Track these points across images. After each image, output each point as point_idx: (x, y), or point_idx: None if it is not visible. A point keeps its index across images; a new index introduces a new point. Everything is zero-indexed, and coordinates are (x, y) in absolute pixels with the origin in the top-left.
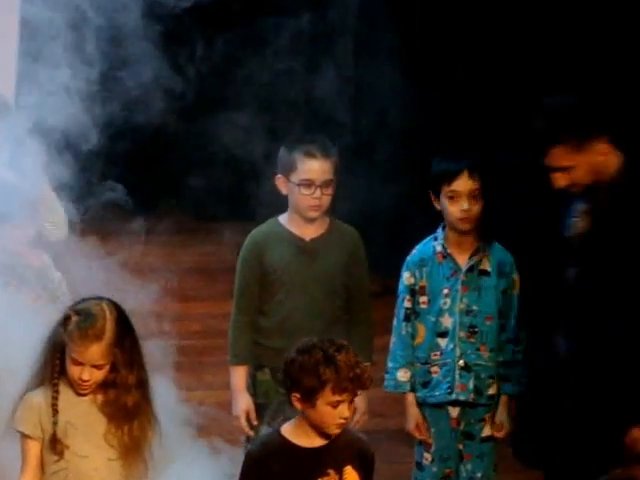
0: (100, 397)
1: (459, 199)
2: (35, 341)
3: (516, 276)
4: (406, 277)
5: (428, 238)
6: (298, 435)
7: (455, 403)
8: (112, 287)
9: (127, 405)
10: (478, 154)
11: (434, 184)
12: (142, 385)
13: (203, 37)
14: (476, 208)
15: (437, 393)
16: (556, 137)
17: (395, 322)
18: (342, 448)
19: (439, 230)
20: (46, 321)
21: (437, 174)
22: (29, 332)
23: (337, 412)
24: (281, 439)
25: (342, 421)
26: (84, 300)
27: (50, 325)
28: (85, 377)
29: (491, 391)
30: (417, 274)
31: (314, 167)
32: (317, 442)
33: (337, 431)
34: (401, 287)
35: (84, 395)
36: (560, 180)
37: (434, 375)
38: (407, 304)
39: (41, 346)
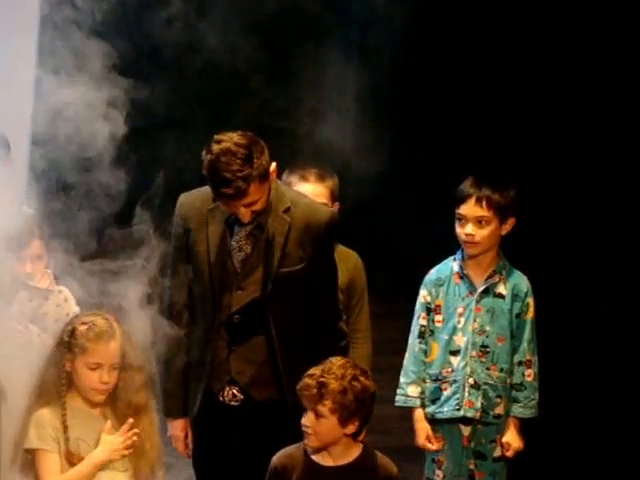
0: (109, 410)
1: (465, 223)
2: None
3: (531, 300)
4: (423, 295)
5: (448, 258)
6: (321, 453)
7: (465, 421)
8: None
9: (138, 405)
10: (503, 186)
11: (454, 205)
12: (147, 385)
13: None
14: (481, 233)
15: (445, 409)
16: None
17: (410, 339)
18: (362, 470)
19: (459, 251)
20: None
21: (454, 197)
22: None
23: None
24: (304, 455)
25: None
26: (82, 314)
27: (48, 348)
28: (106, 379)
29: (498, 410)
30: (434, 293)
31: (307, 190)
32: (339, 461)
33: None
34: (418, 305)
35: (99, 403)
36: None
37: (444, 392)
38: (422, 321)
39: (42, 369)
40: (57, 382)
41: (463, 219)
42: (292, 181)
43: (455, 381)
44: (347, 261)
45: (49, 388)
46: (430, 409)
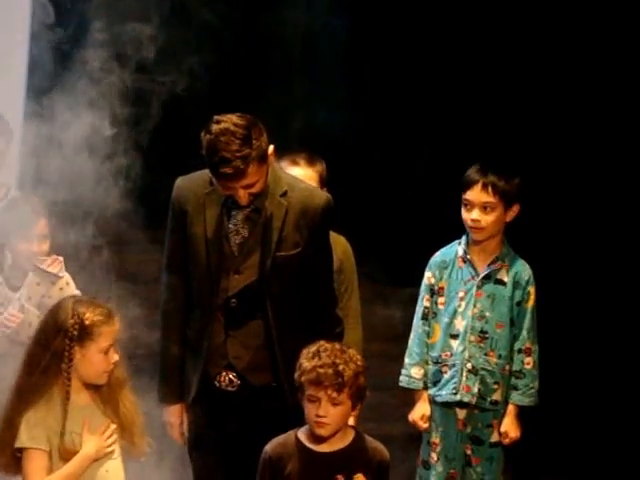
0: (95, 393)
1: (471, 208)
2: None
3: (532, 289)
4: (427, 277)
5: (454, 242)
6: (312, 439)
7: (461, 405)
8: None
9: (118, 378)
10: (507, 173)
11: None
12: (122, 357)
13: None
14: (487, 219)
15: (444, 392)
16: None
17: (414, 320)
18: (356, 455)
19: (464, 235)
20: None
21: (461, 183)
22: None
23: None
24: (296, 441)
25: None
26: (69, 305)
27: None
28: (116, 357)
29: (495, 397)
30: (437, 275)
31: (297, 174)
32: (331, 447)
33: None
34: (422, 286)
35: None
36: None
37: (444, 375)
38: (426, 303)
39: (31, 368)
40: (59, 378)
41: (469, 204)
42: (282, 165)
43: (454, 365)
44: (336, 246)
45: (45, 384)
46: (431, 391)
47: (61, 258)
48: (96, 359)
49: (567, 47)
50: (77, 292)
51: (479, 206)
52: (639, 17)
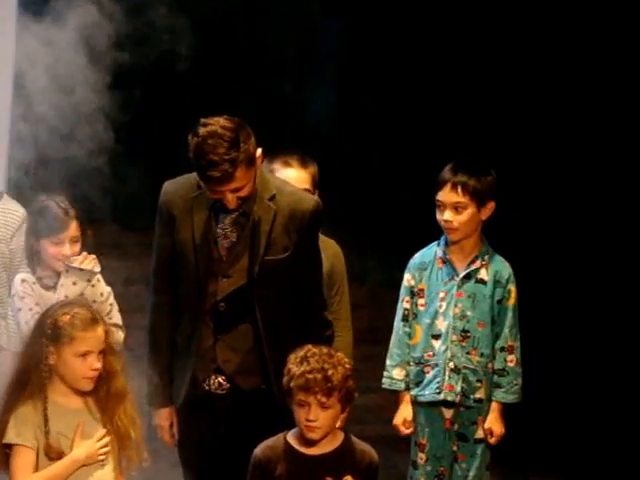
0: (90, 399)
1: (443, 209)
2: None
3: (513, 287)
4: (407, 279)
5: (432, 243)
6: (301, 442)
7: (447, 404)
8: None
9: (119, 388)
10: (480, 172)
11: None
12: (124, 369)
13: None
14: (459, 219)
15: (427, 392)
16: None
17: (395, 321)
18: (345, 458)
19: (442, 236)
20: None
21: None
22: None
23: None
24: (286, 444)
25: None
26: (57, 305)
27: (29, 341)
28: (97, 365)
29: (478, 395)
30: (417, 276)
31: (290, 175)
32: (320, 450)
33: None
34: (402, 288)
35: (84, 393)
36: None
37: (427, 375)
38: (406, 305)
39: (22, 364)
40: (39, 376)
41: (441, 205)
42: (275, 167)
43: (436, 365)
44: (326, 250)
45: (30, 382)
46: (413, 392)
47: (93, 255)
48: (71, 362)
49: (542, 44)
50: (108, 289)
51: (450, 206)
52: (612, 15)
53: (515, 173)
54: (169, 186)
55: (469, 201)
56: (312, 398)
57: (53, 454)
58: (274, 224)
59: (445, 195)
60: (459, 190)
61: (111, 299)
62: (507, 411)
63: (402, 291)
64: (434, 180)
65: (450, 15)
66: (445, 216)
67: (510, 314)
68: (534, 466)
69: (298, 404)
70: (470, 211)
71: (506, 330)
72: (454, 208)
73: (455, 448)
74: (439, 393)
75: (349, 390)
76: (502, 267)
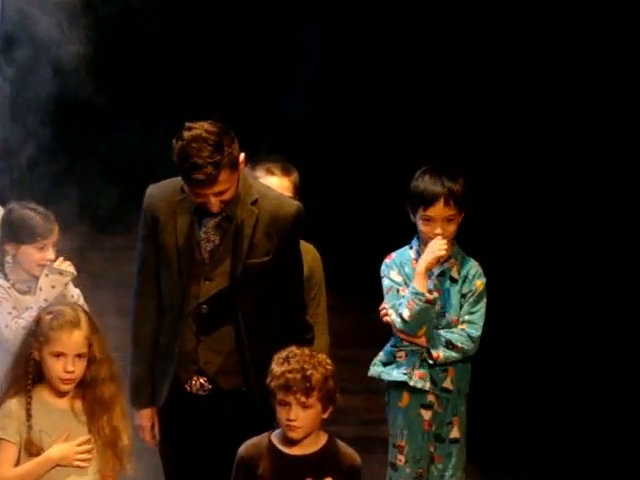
0: (78, 402)
1: (434, 223)
2: None
3: (479, 282)
4: (394, 274)
5: (404, 247)
6: (285, 442)
7: (426, 406)
8: None
9: (104, 397)
10: (458, 178)
11: (411, 203)
12: (115, 377)
13: None
14: (449, 229)
15: (395, 373)
16: None
17: (388, 299)
18: (327, 459)
19: (414, 239)
20: None
21: (414, 196)
22: None
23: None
24: (269, 443)
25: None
26: (54, 304)
27: (20, 337)
28: (70, 367)
29: (446, 384)
30: (401, 272)
31: (273, 183)
32: (302, 451)
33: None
34: (390, 283)
35: (67, 393)
36: None
37: (398, 359)
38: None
39: (13, 359)
40: (25, 371)
41: (431, 220)
42: (258, 174)
43: (412, 352)
44: (305, 254)
45: (18, 377)
46: (378, 369)
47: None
48: (48, 361)
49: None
50: (77, 290)
51: (442, 220)
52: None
53: (515, 173)
54: (153, 190)
55: (457, 212)
56: (292, 398)
57: (33, 450)
58: (256, 228)
59: (438, 210)
60: (451, 203)
61: (81, 300)
62: (506, 412)
63: (393, 285)
64: (407, 188)
65: (446, 15)
66: (437, 230)
67: (471, 302)
68: (529, 467)
69: (279, 404)
70: (457, 219)
71: (466, 316)
72: (446, 220)
73: (432, 449)
74: (410, 378)
75: (329, 390)
76: (471, 265)
